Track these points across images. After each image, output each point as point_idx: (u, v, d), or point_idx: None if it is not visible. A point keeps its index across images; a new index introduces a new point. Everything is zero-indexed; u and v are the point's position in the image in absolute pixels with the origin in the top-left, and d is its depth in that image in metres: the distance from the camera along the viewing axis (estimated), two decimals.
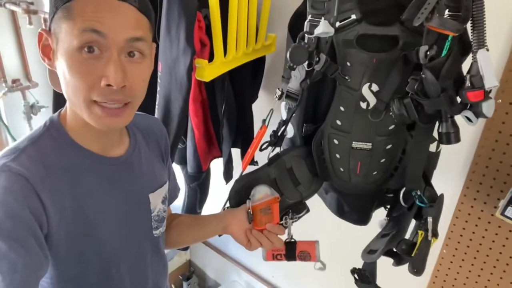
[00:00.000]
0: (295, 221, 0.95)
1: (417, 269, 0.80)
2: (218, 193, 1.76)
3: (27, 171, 0.60)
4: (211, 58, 1.05)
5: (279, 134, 0.96)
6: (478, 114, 0.70)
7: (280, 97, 0.94)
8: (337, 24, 0.80)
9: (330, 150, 0.91)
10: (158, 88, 1.05)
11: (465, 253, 1.18)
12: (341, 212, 1.06)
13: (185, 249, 1.96)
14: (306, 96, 0.92)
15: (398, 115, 0.76)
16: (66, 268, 0.69)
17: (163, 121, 1.07)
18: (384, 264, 0.95)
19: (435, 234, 0.78)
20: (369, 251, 0.97)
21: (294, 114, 0.94)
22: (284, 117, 0.96)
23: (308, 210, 0.98)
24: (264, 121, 0.96)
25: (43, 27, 0.64)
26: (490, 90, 0.67)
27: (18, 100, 1.88)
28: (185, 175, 1.48)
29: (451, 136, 0.72)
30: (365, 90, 0.83)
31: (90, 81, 0.59)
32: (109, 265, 0.74)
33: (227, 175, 1.37)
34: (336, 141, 0.90)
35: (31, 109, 1.91)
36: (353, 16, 0.78)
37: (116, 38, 0.58)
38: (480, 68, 0.67)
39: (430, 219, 0.78)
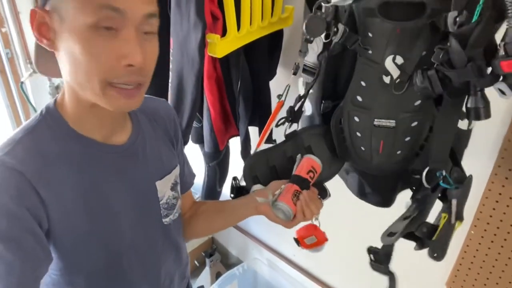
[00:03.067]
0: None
1: (437, 254, 0.76)
2: (238, 171, 1.75)
3: (22, 165, 0.57)
4: (224, 33, 1.01)
5: (296, 110, 0.92)
6: (510, 86, 0.63)
7: (295, 72, 0.89)
8: None
9: (350, 128, 0.87)
10: (171, 66, 1.03)
11: (495, 235, 1.11)
12: (362, 193, 1.02)
13: None
14: (324, 71, 0.87)
15: (421, 88, 0.70)
16: (73, 259, 0.68)
17: (177, 99, 1.05)
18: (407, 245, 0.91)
19: (459, 218, 0.73)
20: (389, 234, 0.93)
21: (311, 90, 0.90)
22: (302, 93, 0.92)
23: (329, 195, 0.94)
24: (279, 96, 0.92)
25: (36, 5, 0.58)
26: None
27: (44, 81, 1.91)
28: (204, 154, 1.47)
29: (481, 111, 0.66)
30: (388, 63, 0.78)
31: (108, 62, 0.56)
32: (117, 255, 0.72)
33: (245, 153, 1.35)
34: (356, 119, 0.85)
35: (56, 90, 1.95)
36: None
37: (134, 14, 0.55)
38: None
39: (454, 202, 0.73)
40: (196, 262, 2.17)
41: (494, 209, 1.09)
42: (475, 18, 0.63)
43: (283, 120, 0.94)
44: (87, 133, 0.65)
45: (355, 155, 0.90)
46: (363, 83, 0.82)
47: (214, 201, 1.07)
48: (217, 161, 1.49)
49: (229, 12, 0.96)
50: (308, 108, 0.94)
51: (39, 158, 0.60)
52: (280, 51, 1.35)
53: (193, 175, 0.97)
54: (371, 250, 0.92)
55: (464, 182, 0.75)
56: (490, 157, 1.06)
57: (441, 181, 0.75)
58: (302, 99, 0.93)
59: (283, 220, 0.82)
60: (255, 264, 2.05)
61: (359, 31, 0.79)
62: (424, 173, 0.79)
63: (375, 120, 0.83)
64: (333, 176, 0.96)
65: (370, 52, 0.79)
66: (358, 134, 0.86)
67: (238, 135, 1.33)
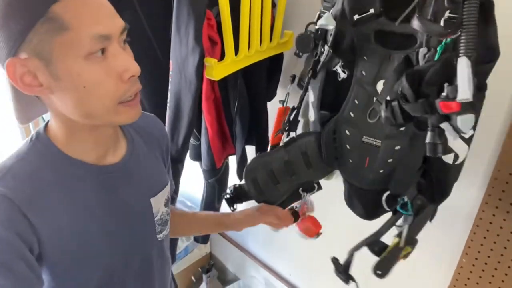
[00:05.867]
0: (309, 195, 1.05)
1: (380, 272, 0.77)
2: None
3: (12, 192, 0.58)
4: (222, 56, 1.05)
5: (291, 120, 0.99)
6: (454, 127, 0.63)
7: (292, 81, 1.05)
8: (356, 17, 0.78)
9: (341, 140, 0.90)
10: (170, 86, 1.07)
11: (486, 263, 1.11)
12: (350, 202, 1.04)
13: (205, 242, 1.98)
14: (324, 83, 0.91)
15: (385, 117, 0.72)
16: (67, 281, 0.68)
17: (174, 119, 1.08)
18: (403, 272, 0.92)
19: (408, 243, 0.74)
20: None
21: (313, 99, 0.95)
22: (311, 100, 0.97)
23: (320, 187, 1.04)
24: (282, 101, 1.06)
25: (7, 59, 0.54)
26: (471, 103, 0.59)
27: None
28: (203, 171, 1.50)
29: (437, 147, 0.65)
30: (379, 86, 0.81)
31: (112, 82, 0.57)
32: (112, 274, 0.73)
33: (241, 172, 1.37)
34: (347, 132, 0.88)
35: None
36: (372, 11, 0.76)
37: (115, 33, 0.58)
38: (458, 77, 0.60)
39: (406, 227, 0.74)
40: (193, 278, 2.17)
41: (484, 237, 1.09)
42: (436, 57, 0.65)
43: (279, 130, 1.01)
44: (79, 156, 0.66)
45: (343, 166, 0.93)
46: (356, 101, 0.85)
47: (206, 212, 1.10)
48: (216, 178, 1.51)
49: (227, 37, 1.00)
50: (311, 114, 0.98)
51: (29, 185, 0.60)
52: (280, 73, 1.38)
53: (173, 188, 0.96)
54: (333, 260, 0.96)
55: (420, 212, 0.75)
56: (481, 186, 1.07)
57: (399, 205, 0.76)
58: (296, 110, 0.99)
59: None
60: (251, 282, 2.05)
61: (357, 53, 0.83)
62: (384, 197, 0.80)
63: (364, 137, 0.86)
64: (323, 177, 1.02)
65: (364, 74, 0.82)
66: (348, 147, 0.89)
67: (235, 154, 1.36)
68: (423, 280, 1.33)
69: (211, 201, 1.60)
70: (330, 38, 0.82)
